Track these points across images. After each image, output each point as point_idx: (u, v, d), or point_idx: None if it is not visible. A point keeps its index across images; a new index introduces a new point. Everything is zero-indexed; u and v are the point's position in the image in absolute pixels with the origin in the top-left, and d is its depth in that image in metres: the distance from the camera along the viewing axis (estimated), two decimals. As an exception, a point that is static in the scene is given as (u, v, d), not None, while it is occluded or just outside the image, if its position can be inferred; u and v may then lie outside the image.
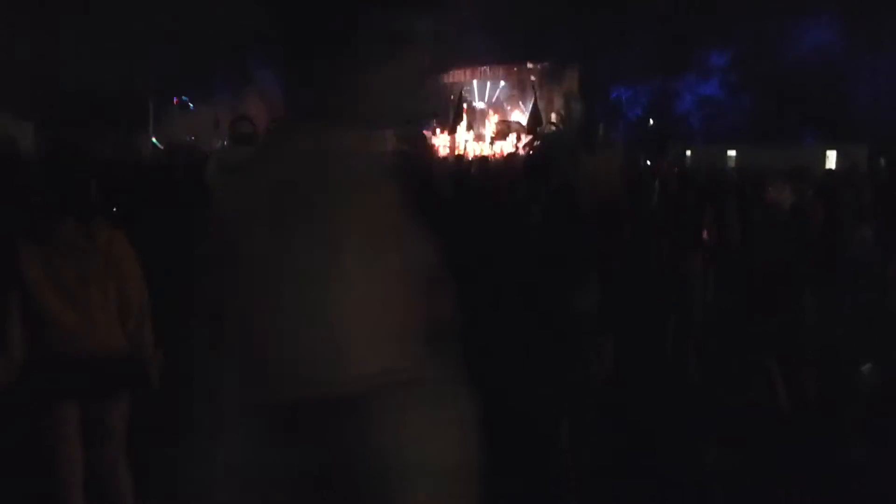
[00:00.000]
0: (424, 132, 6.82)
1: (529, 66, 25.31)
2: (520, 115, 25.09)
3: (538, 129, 18.12)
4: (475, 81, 26.30)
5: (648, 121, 27.81)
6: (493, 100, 26.35)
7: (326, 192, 0.84)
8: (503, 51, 25.73)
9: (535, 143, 5.53)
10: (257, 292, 0.83)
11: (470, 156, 16.27)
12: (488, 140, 23.64)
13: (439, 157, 12.02)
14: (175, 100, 27.86)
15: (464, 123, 23.47)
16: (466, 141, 23.53)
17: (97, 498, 2.59)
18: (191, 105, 28.16)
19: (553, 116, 21.02)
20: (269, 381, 0.82)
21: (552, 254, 3.34)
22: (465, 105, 23.78)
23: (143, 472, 2.81)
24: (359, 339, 0.80)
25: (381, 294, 0.82)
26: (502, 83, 26.20)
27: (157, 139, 18.41)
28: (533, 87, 23.00)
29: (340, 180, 0.86)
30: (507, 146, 21.33)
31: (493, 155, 20.55)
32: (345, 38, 0.91)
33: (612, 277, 3.80)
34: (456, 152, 19.58)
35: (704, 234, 5.89)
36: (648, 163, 17.56)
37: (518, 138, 22.69)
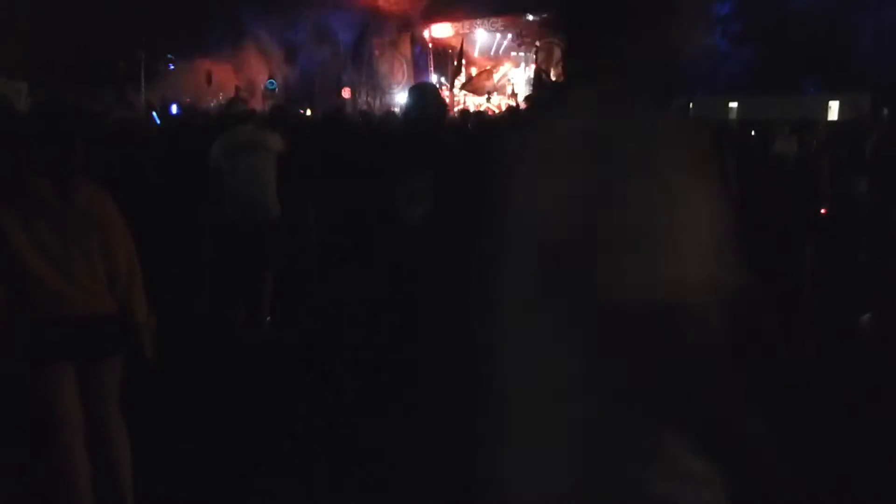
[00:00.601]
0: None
1: (529, 18, 24.87)
2: (517, 69, 24.76)
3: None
4: (475, 35, 25.88)
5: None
6: (492, 53, 25.95)
7: (650, 136, 1.02)
8: (502, 3, 25.26)
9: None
10: (597, 218, 1.00)
11: (470, 110, 16.10)
12: (485, 95, 23.37)
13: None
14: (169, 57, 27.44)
15: (462, 78, 23.20)
16: (465, 95, 23.27)
17: (95, 453, 2.62)
18: (171, 66, 27.69)
19: (552, 72, 20.74)
20: (611, 289, 0.98)
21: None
22: (464, 59, 23.46)
23: (141, 427, 2.85)
24: (691, 252, 0.97)
25: (704, 217, 0.98)
26: (499, 36, 25.77)
27: (150, 98, 18.14)
28: (535, 54, 22.50)
29: (652, 126, 1.04)
30: (505, 100, 21.08)
31: (489, 110, 20.34)
32: (616, 15, 1.11)
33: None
34: (456, 108, 19.35)
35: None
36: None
37: (513, 93, 22.42)
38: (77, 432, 2.50)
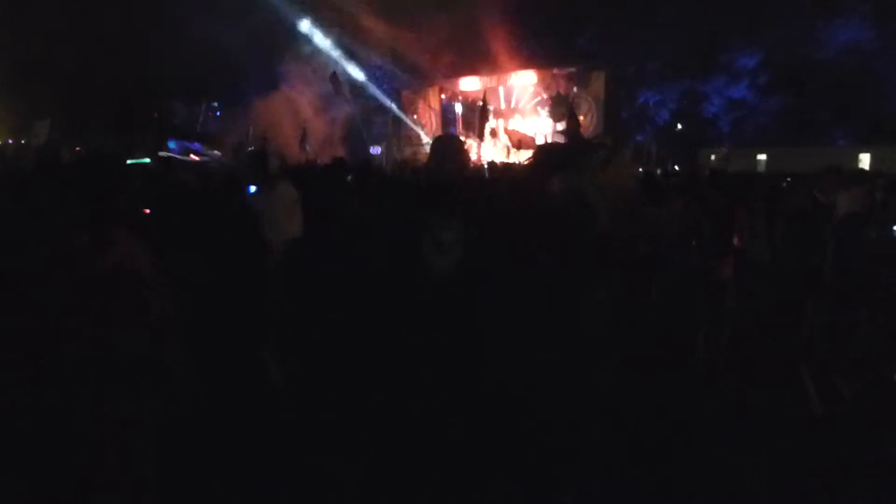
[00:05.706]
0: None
1: (556, 71, 25.20)
2: (542, 123, 24.95)
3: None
4: (501, 88, 26.25)
5: (676, 125, 27.56)
6: (520, 106, 26.24)
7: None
8: (530, 57, 25.67)
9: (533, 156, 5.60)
10: None
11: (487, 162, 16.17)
12: (504, 148, 23.56)
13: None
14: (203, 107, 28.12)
15: (489, 130, 23.42)
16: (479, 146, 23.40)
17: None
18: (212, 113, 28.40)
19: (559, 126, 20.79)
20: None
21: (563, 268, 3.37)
22: (490, 111, 23.74)
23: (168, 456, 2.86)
24: None
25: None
26: (530, 90, 26.09)
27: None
28: (568, 99, 22.37)
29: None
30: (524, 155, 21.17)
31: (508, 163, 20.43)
32: None
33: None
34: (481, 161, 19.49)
35: (735, 241, 5.81)
36: (676, 167, 17.42)
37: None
38: (110, 470, 2.52)
